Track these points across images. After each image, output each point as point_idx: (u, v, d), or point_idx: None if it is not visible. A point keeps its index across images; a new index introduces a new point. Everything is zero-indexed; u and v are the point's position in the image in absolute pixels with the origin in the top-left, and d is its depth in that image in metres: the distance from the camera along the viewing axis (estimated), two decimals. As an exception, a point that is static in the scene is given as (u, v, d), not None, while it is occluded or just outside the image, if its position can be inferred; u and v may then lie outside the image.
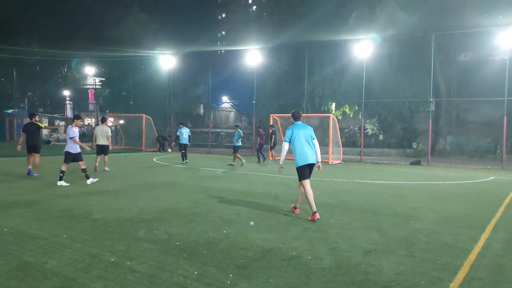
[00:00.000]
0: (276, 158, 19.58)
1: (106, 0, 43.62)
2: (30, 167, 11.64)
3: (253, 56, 24.82)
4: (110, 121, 30.34)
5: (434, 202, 8.60)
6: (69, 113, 48.97)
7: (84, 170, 10.04)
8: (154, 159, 19.22)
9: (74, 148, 9.95)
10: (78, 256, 4.46)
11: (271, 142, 19.38)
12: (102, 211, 6.82)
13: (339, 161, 20.07)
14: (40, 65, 43.07)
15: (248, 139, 32.00)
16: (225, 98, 42.90)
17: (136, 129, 28.66)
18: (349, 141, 28.27)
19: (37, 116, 12.50)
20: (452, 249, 5.01)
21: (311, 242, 5.21)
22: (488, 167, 18.49)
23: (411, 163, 19.92)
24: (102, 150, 13.11)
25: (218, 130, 38.87)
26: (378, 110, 27.26)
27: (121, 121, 31.87)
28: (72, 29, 44.15)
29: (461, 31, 22.10)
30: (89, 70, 48.53)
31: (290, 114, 7.21)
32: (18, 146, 11.79)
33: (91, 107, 48.59)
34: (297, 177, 6.83)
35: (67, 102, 48.99)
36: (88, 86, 51.05)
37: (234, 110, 44.33)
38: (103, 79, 41.34)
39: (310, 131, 6.83)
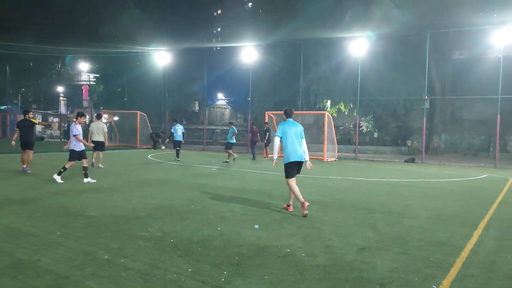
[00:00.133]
0: (270, 155, 19.60)
1: (101, -4, 43.25)
2: (24, 166, 11.58)
3: (248, 53, 24.78)
4: (105, 117, 30.15)
5: (428, 199, 8.66)
6: (63, 109, 48.63)
7: (85, 168, 9.97)
8: (149, 156, 19.17)
9: (78, 146, 9.86)
10: (72, 253, 4.44)
11: (265, 139, 19.39)
12: (97, 209, 6.80)
13: (334, 159, 20.12)
14: (34, 61, 42.73)
15: (243, 136, 31.98)
16: (220, 95, 42.75)
17: (131, 126, 28.48)
18: (344, 139, 28.36)
19: (31, 113, 12.42)
20: (445, 247, 5.05)
21: (305, 239, 5.23)
22: (481, 165, 18.63)
23: (405, 161, 20.04)
24: (97, 146, 13.07)
25: (213, 127, 38.81)
26: (373, 107, 27.40)
27: (116, 118, 31.68)
28: (66, 25, 43.67)
29: (456, 29, 22.17)
30: (83, 66, 48.14)
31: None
32: (13, 141, 11.73)
33: (85, 103, 48.24)
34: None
35: (61, 98, 48.66)
36: (82, 82, 50.68)
37: (229, 107, 44.22)
38: (98, 75, 41.00)
39: (300, 129, 6.99)
